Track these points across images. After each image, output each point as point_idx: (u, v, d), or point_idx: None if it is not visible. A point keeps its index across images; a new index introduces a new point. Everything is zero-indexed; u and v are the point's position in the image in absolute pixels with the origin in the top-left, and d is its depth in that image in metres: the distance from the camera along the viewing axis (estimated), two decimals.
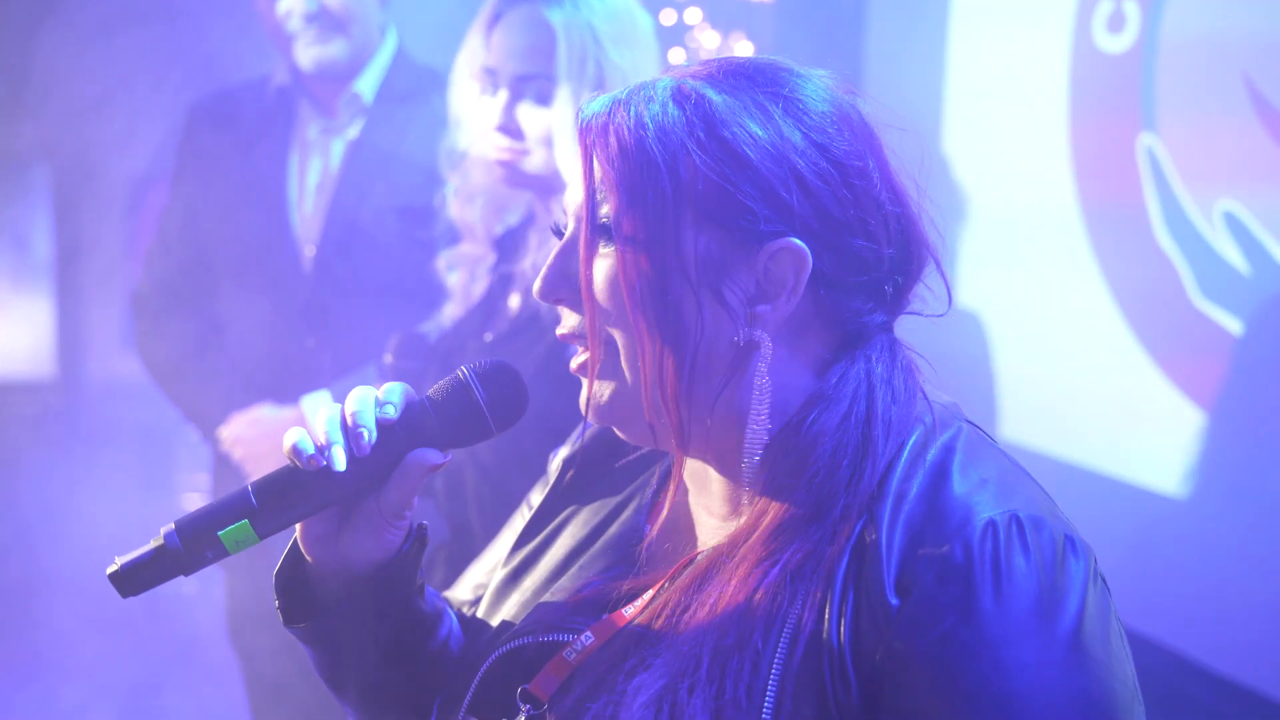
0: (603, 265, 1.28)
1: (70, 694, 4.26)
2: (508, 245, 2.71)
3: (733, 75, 1.29)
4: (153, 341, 3.30)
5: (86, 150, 4.66)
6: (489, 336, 2.62)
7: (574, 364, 1.35)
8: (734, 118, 1.25)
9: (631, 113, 1.26)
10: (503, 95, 2.59)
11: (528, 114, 2.58)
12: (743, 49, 3.78)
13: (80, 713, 4.21)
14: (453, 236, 2.85)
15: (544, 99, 2.57)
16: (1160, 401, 2.73)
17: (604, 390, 1.32)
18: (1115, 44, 2.83)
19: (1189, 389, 2.69)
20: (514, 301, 2.63)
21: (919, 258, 1.34)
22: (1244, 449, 2.59)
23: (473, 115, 2.69)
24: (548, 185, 2.61)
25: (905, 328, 1.39)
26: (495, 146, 2.61)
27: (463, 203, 2.73)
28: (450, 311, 2.78)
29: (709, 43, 3.80)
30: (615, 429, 1.36)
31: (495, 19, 2.63)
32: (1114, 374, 2.85)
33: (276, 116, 3.24)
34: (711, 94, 1.26)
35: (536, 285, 1.34)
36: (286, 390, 3.11)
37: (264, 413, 3.11)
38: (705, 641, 1.21)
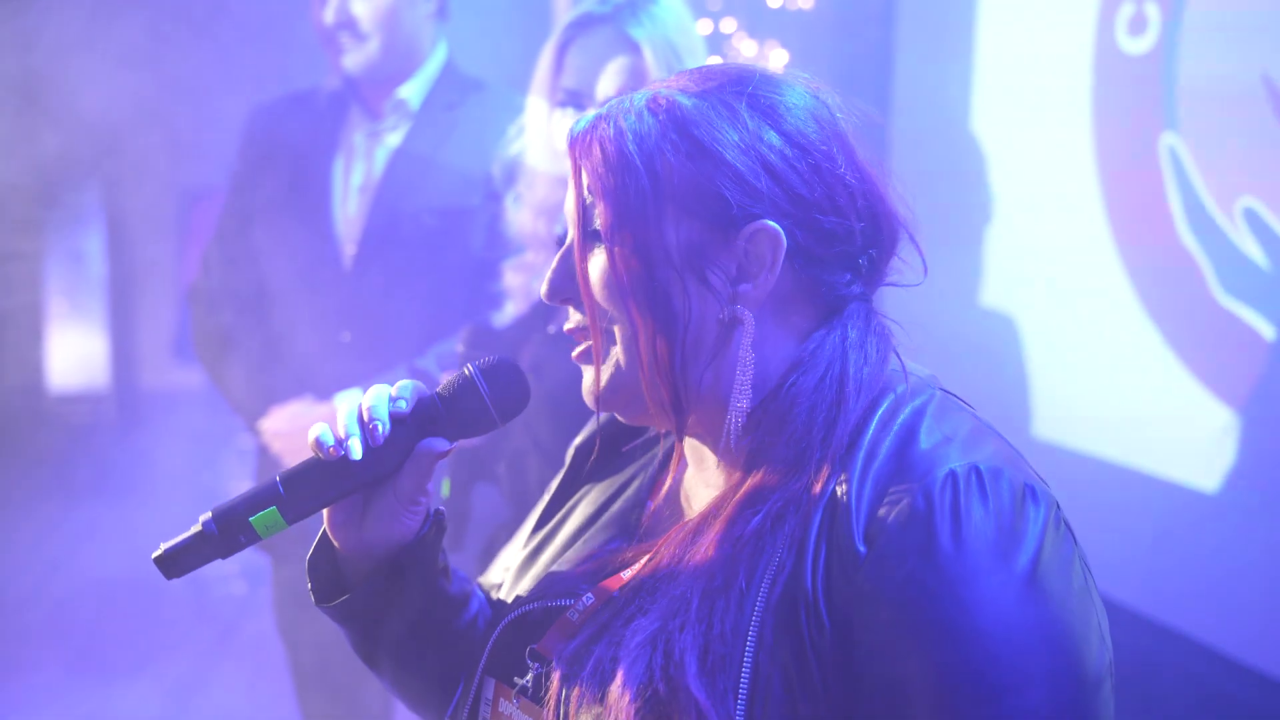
0: (597, 264, 1.39)
1: (124, 692, 4.36)
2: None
3: (702, 81, 1.40)
4: (204, 336, 3.41)
5: (137, 166, 4.78)
6: (552, 329, 2.69)
7: (575, 353, 1.45)
8: (703, 117, 1.36)
9: (612, 125, 1.38)
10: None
11: None
12: (777, 57, 3.85)
13: (136, 708, 4.32)
14: (505, 244, 2.95)
15: None
16: (1184, 396, 2.77)
17: (603, 377, 1.42)
18: (1137, 45, 2.88)
19: (1212, 384, 2.72)
20: None
21: (890, 231, 1.43)
22: (1268, 441, 2.62)
23: (542, 133, 2.74)
24: None
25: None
26: None
27: (533, 215, 2.79)
28: (512, 309, 2.86)
29: (747, 51, 3.87)
30: (616, 413, 1.46)
31: (570, 40, 2.67)
32: (1139, 370, 2.89)
33: (326, 121, 3.35)
34: (682, 99, 1.37)
35: (543, 289, 1.45)
36: (324, 385, 3.20)
37: (302, 407, 3.21)
38: (695, 585, 1.30)
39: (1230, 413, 2.68)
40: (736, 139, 1.35)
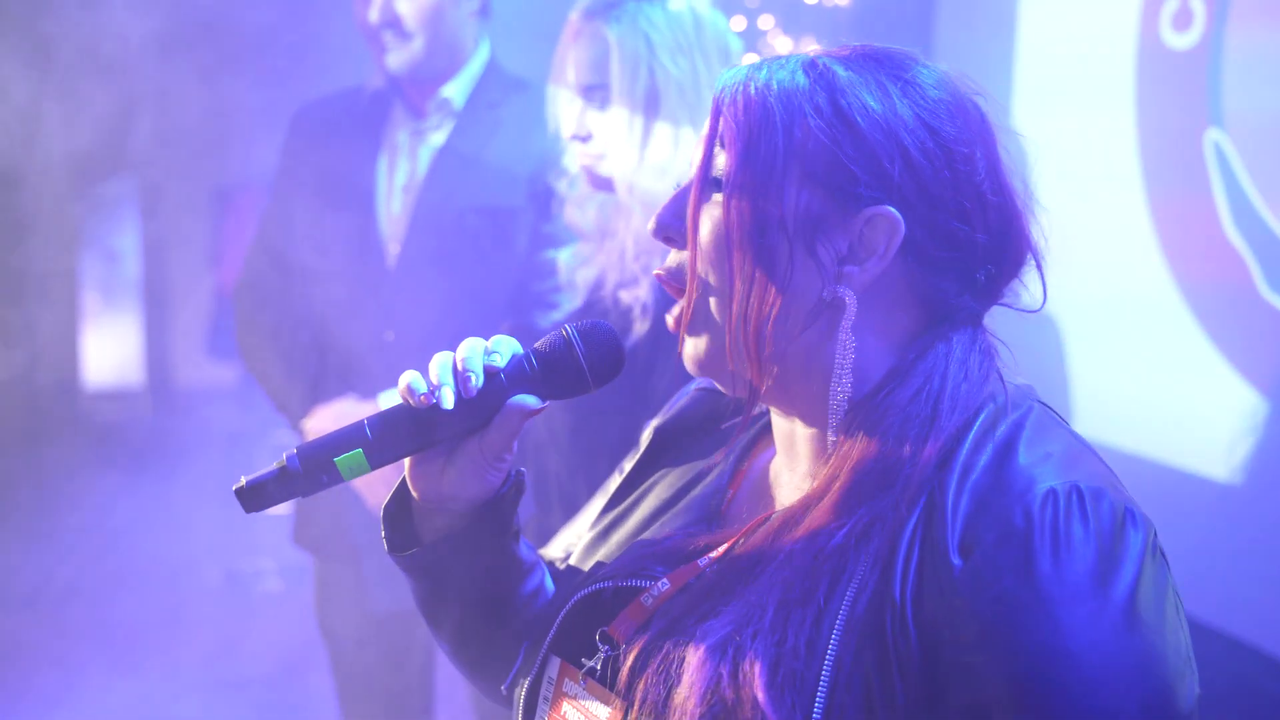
0: (711, 212, 1.37)
1: (159, 684, 4.39)
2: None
3: (863, 56, 1.38)
4: (248, 335, 3.42)
5: (171, 163, 4.80)
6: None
7: (670, 317, 1.43)
8: (853, 89, 1.33)
9: (763, 75, 1.36)
10: (577, 105, 2.72)
11: (594, 120, 2.70)
12: None
13: (171, 700, 4.35)
14: (555, 238, 3.00)
15: (605, 106, 2.69)
16: (1228, 394, 2.75)
17: (701, 341, 1.40)
18: (1182, 40, 2.86)
19: (1257, 381, 2.71)
20: (624, 295, 2.74)
21: (1016, 251, 1.40)
22: None
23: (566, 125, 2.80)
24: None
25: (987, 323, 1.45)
26: (578, 152, 2.75)
27: (574, 207, 2.85)
28: (568, 305, 2.89)
29: (782, 48, 3.86)
30: (714, 380, 1.44)
31: (575, 36, 2.74)
32: (1182, 367, 2.88)
33: (370, 120, 3.36)
34: (839, 69, 1.35)
35: (650, 223, 1.43)
36: (368, 384, 3.21)
37: (346, 407, 3.21)
38: (772, 594, 1.27)
39: (1274, 409, 2.66)
40: (881, 119, 1.32)
